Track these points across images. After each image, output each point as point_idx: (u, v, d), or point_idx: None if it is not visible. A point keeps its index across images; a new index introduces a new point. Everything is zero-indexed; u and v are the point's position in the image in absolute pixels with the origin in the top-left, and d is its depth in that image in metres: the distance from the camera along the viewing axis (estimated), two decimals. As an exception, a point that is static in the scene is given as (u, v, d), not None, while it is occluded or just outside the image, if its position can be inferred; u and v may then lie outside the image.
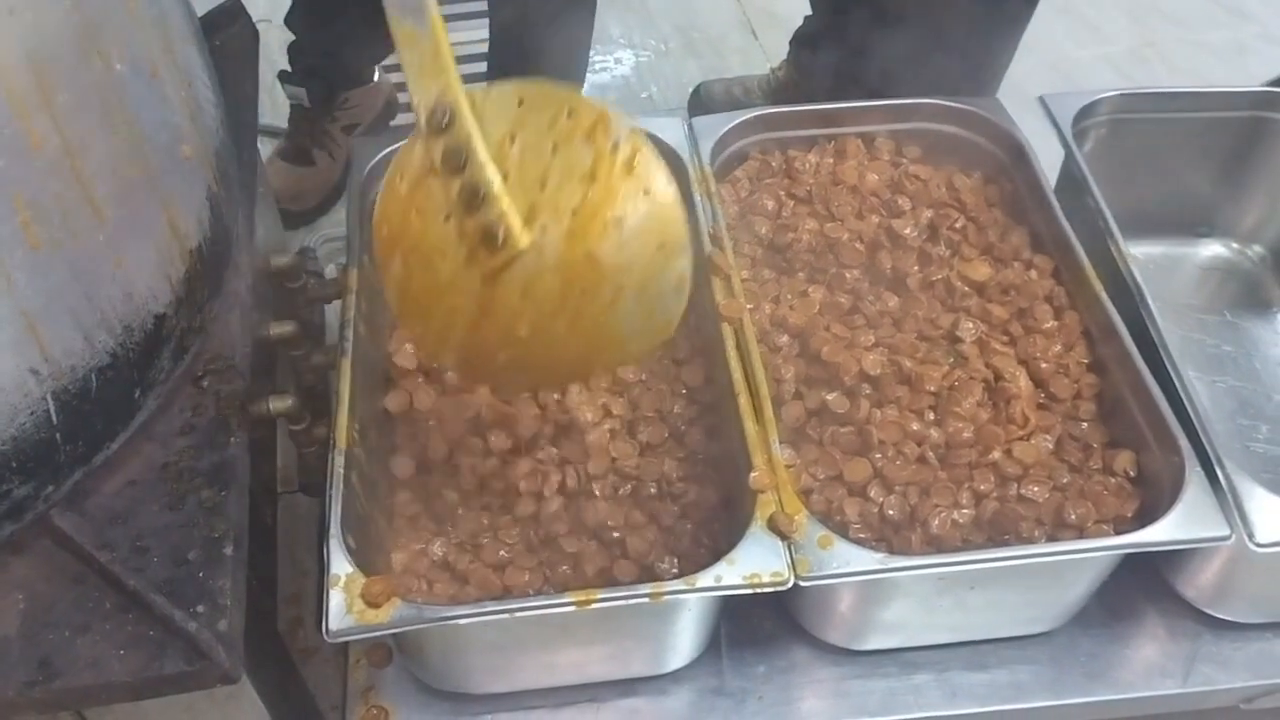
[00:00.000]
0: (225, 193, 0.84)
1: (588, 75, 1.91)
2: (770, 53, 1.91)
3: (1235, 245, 1.28)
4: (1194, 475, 0.83)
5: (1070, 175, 1.09)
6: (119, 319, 0.70)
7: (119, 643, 0.70)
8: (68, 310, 0.66)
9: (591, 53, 1.95)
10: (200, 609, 0.70)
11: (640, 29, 2.01)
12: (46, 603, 0.71)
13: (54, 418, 0.67)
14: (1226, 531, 0.81)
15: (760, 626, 0.94)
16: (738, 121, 1.11)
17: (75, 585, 0.72)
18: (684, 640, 0.88)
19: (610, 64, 1.95)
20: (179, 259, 0.76)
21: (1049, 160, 1.10)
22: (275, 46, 1.71)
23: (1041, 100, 1.11)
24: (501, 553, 0.91)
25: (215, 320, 0.84)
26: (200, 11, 0.94)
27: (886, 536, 0.88)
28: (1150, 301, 0.95)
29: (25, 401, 0.65)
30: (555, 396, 0.99)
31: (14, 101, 0.58)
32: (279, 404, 0.91)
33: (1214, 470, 0.84)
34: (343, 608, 0.75)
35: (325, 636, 0.75)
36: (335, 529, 0.79)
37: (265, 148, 1.57)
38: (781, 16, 1.94)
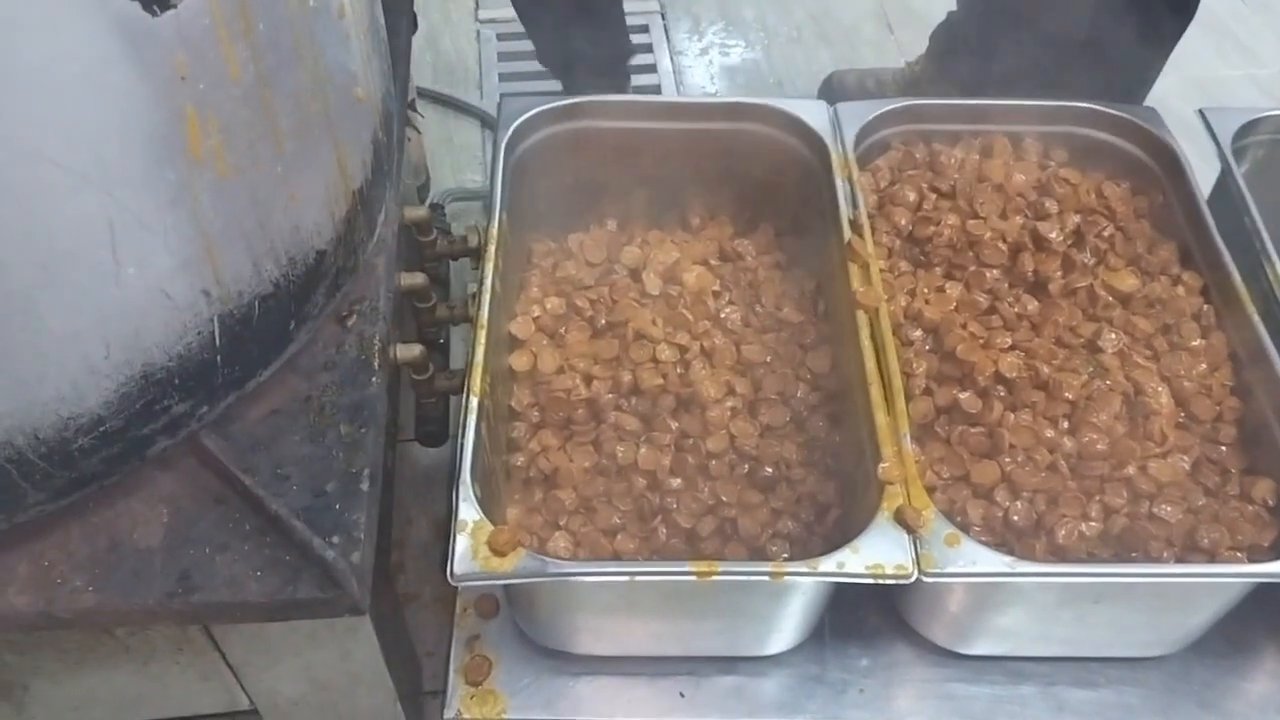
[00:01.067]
0: (386, 139, 0.85)
1: (715, 58, 1.90)
2: (904, 47, 1.88)
3: (1385, 284, 1.22)
4: (1342, 510, 0.81)
5: (1224, 193, 1.06)
6: (285, 250, 0.72)
7: (256, 564, 0.72)
8: (242, 236, 0.68)
9: (723, 35, 1.95)
10: (336, 539, 0.72)
11: (774, 13, 1.99)
12: (190, 519, 0.74)
13: (217, 340, 0.70)
14: (1375, 571, 0.78)
15: (865, 620, 0.93)
16: (883, 110, 1.10)
17: (217, 505, 0.75)
18: (790, 624, 0.88)
19: (741, 47, 1.93)
20: (343, 198, 0.77)
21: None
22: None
23: (1201, 114, 1.08)
24: (615, 519, 0.92)
25: (365, 263, 0.85)
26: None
27: (1008, 542, 0.86)
28: (1307, 329, 0.92)
29: (194, 321, 0.67)
30: (679, 370, 1.00)
31: (219, 29, 0.59)
32: (406, 353, 0.92)
33: (1363, 508, 0.81)
34: (468, 553, 0.76)
35: (450, 579, 0.76)
36: (466, 475, 0.80)
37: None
38: (918, 11, 1.91)
